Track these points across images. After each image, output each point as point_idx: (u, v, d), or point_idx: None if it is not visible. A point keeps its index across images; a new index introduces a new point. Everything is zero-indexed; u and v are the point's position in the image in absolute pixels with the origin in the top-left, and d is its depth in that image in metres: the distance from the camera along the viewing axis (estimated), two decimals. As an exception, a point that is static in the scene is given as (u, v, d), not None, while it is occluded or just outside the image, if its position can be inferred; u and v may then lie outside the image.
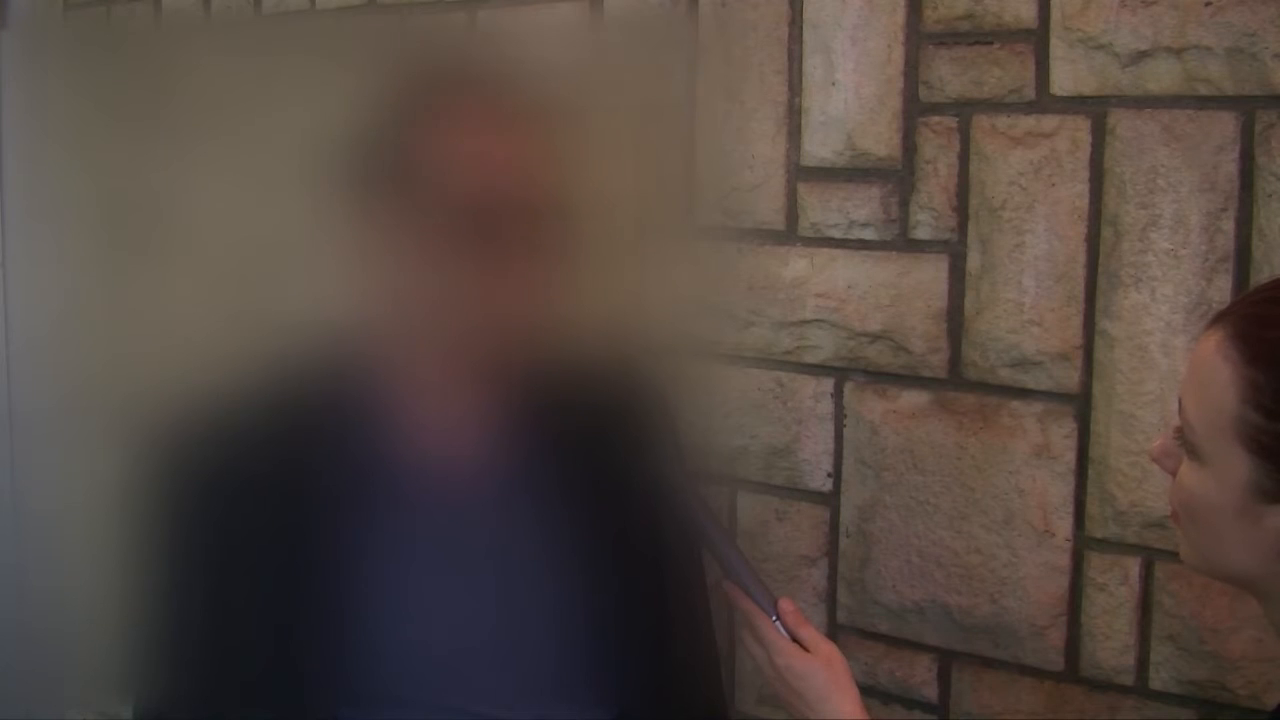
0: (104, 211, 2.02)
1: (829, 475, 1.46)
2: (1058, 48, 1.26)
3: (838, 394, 1.44)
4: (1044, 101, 1.28)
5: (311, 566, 0.95)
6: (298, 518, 0.95)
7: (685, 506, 1.09)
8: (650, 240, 1.44)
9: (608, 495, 1.05)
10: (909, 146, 1.36)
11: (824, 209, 1.42)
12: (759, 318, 1.48)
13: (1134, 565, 1.28)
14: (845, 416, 1.44)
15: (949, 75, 1.33)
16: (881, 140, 1.37)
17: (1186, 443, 0.87)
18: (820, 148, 1.41)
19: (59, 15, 2.16)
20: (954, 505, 1.37)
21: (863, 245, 1.40)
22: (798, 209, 1.44)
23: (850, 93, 1.39)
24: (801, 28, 1.41)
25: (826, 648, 1.06)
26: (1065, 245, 1.28)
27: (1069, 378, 1.29)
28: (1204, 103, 1.19)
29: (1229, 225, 1.19)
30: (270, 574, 0.95)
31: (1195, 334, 1.21)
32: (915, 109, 1.35)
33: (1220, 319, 0.86)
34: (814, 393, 1.46)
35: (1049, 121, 1.28)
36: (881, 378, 1.41)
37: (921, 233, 1.36)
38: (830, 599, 1.47)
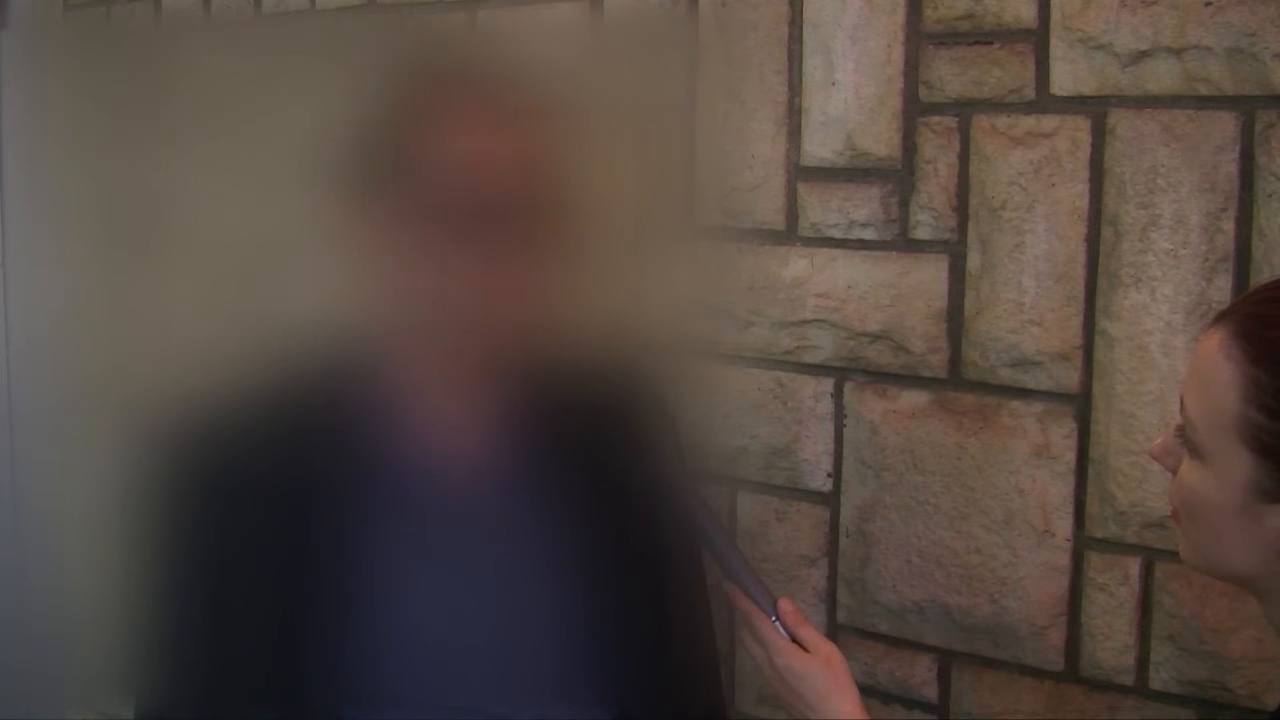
0: (104, 211, 2.02)
1: (829, 475, 1.46)
2: (1058, 48, 1.26)
3: (838, 394, 1.44)
4: (1044, 101, 1.28)
5: (313, 566, 0.95)
6: (299, 517, 0.95)
7: (685, 506, 1.09)
8: (650, 240, 1.44)
9: (608, 495, 1.05)
10: (909, 146, 1.36)
11: (824, 209, 1.42)
12: (759, 318, 1.48)
13: (1134, 565, 1.28)
14: (845, 416, 1.44)
15: (949, 75, 1.33)
16: (881, 140, 1.37)
17: (1188, 441, 0.87)
18: (820, 148, 1.41)
19: (59, 15, 2.16)
20: (954, 505, 1.37)
21: (863, 245, 1.40)
22: (798, 209, 1.44)
23: (850, 93, 1.39)
24: (801, 28, 1.41)
25: (826, 648, 1.06)
26: (1065, 245, 1.28)
27: (1069, 378, 1.29)
28: (1204, 103, 1.19)
29: (1229, 225, 1.19)
30: (271, 574, 0.95)
31: (1195, 334, 1.21)
32: (915, 109, 1.35)
33: (1223, 318, 0.86)
34: (814, 393, 1.46)
35: (1049, 121, 1.28)
36: (881, 378, 1.41)
37: (921, 233, 1.36)
38: (830, 599, 1.47)
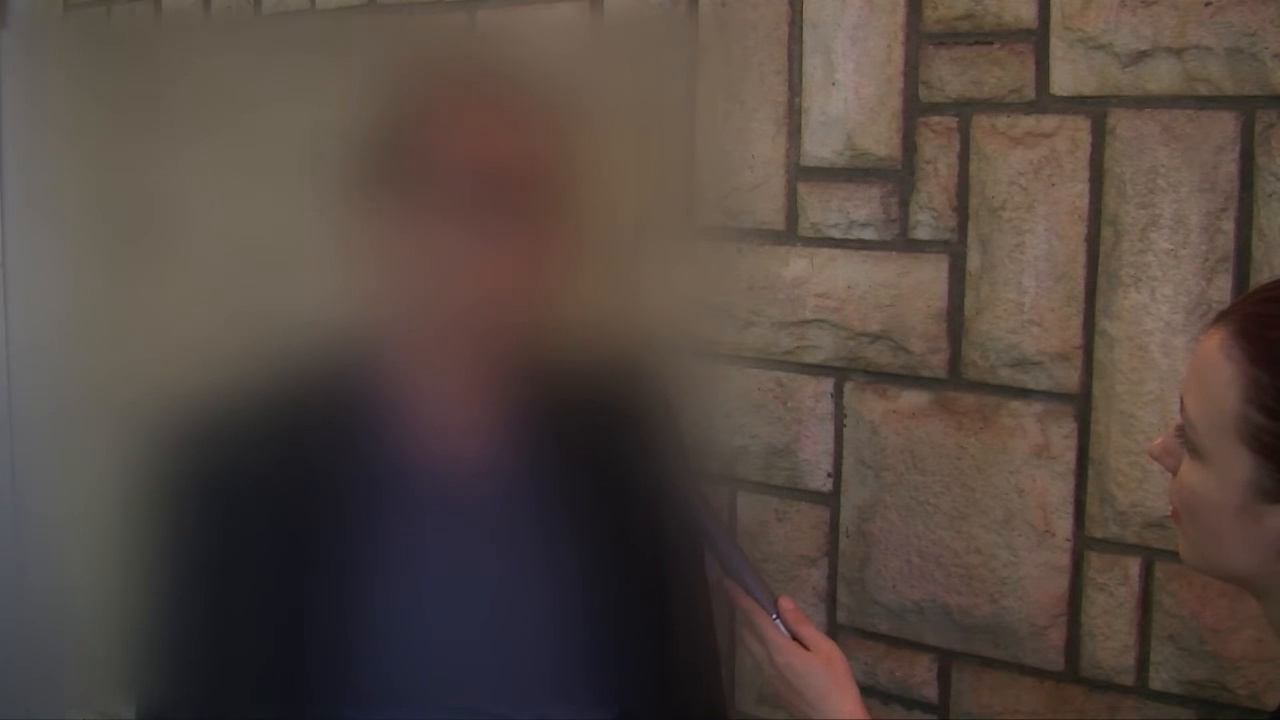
0: (105, 211, 2.02)
1: (829, 475, 1.46)
2: (1058, 48, 1.26)
3: (838, 394, 1.44)
4: (1044, 101, 1.28)
5: (314, 567, 0.95)
6: (300, 518, 0.95)
7: (686, 504, 1.09)
8: (650, 240, 1.44)
9: (609, 495, 1.05)
10: (909, 146, 1.36)
11: (824, 209, 1.42)
12: (759, 318, 1.48)
13: (1134, 565, 1.28)
14: (845, 416, 1.44)
15: (949, 75, 1.33)
16: (881, 140, 1.37)
17: (1188, 441, 0.88)
18: (820, 148, 1.41)
19: (59, 14, 2.16)
20: (954, 505, 1.37)
21: (863, 245, 1.40)
22: (798, 209, 1.44)
23: (850, 93, 1.39)
24: (801, 28, 1.41)
25: (826, 646, 1.06)
26: (1065, 245, 1.28)
27: (1069, 378, 1.29)
28: (1204, 103, 1.19)
29: (1229, 225, 1.19)
30: (272, 574, 0.95)
31: (1195, 334, 1.21)
32: (915, 109, 1.35)
33: (1223, 318, 0.86)
34: (814, 393, 1.46)
35: (1049, 121, 1.28)
36: (881, 378, 1.41)
37: (921, 233, 1.36)
38: (830, 599, 1.47)
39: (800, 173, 1.43)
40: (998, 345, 1.33)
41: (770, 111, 1.44)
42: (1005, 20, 1.29)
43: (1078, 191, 1.27)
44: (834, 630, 1.47)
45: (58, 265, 2.16)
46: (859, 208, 1.40)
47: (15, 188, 2.26)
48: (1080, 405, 1.29)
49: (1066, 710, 1.33)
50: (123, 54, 2.06)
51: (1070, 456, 1.30)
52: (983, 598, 1.37)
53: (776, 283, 1.46)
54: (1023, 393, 1.32)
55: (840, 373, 1.44)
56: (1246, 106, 1.18)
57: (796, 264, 1.45)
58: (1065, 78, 1.26)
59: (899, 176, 1.37)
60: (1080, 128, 1.26)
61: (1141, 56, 1.22)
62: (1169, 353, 1.23)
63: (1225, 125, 1.19)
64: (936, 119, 1.34)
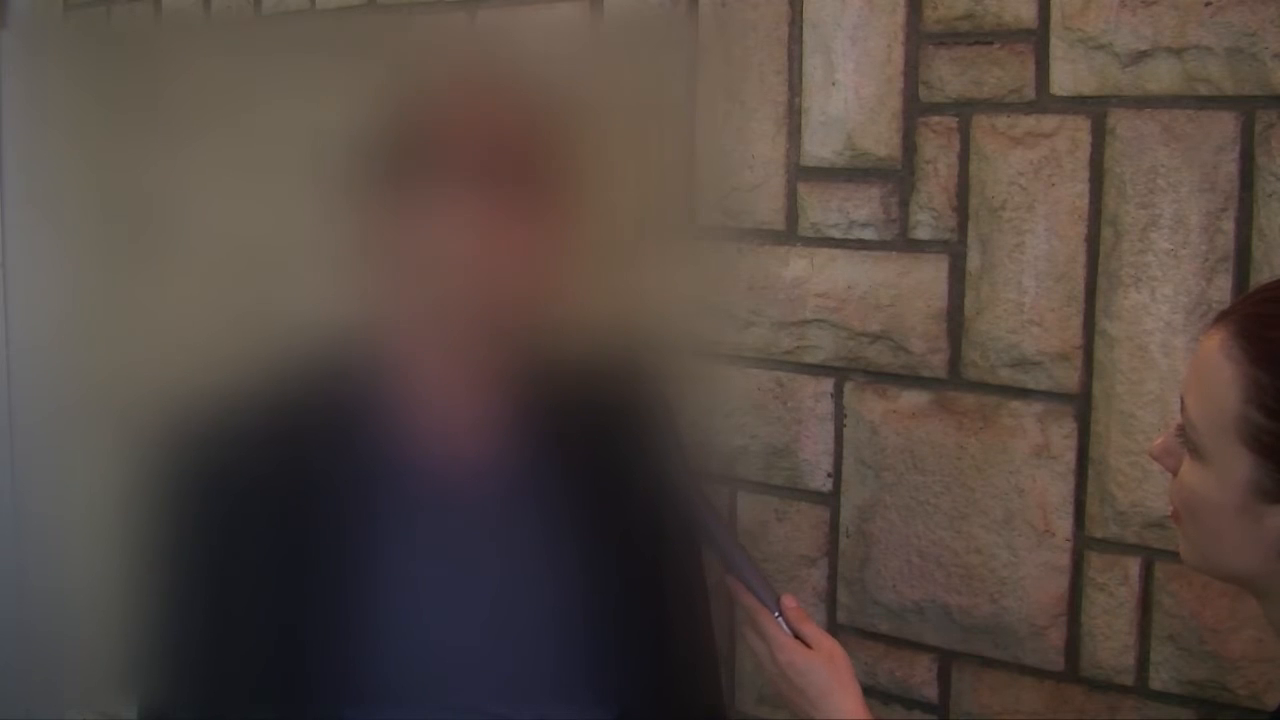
0: (105, 211, 2.02)
1: (829, 475, 1.46)
2: (1058, 48, 1.26)
3: (838, 394, 1.44)
4: (1044, 101, 1.28)
5: (314, 567, 0.95)
6: (300, 518, 0.95)
7: (687, 502, 1.09)
8: (650, 240, 1.44)
9: (609, 494, 1.05)
10: (909, 146, 1.36)
11: (824, 209, 1.42)
12: (759, 318, 1.48)
13: (1134, 565, 1.28)
14: (845, 416, 1.44)
15: (949, 75, 1.33)
16: (881, 140, 1.37)
17: (1188, 441, 0.88)
18: (820, 148, 1.41)
19: (59, 15, 2.16)
20: (954, 505, 1.37)
21: (863, 245, 1.40)
22: (798, 209, 1.44)
23: (850, 93, 1.39)
24: (801, 28, 1.41)
25: (828, 644, 1.06)
26: (1065, 245, 1.28)
27: (1069, 378, 1.29)
28: (1204, 103, 1.19)
29: (1229, 225, 1.19)
30: (273, 574, 0.95)
31: (1195, 334, 1.21)
32: (915, 109, 1.35)
33: (1223, 318, 0.86)
34: (814, 393, 1.46)
35: (1049, 121, 1.28)
36: (881, 378, 1.41)
37: (921, 233, 1.36)
38: (830, 599, 1.47)
39: (800, 173, 1.43)
40: (998, 345, 1.33)
41: (770, 111, 1.44)
42: (1005, 20, 1.29)
43: (1078, 191, 1.27)
44: (834, 630, 1.47)
45: (58, 265, 2.16)
46: (859, 208, 1.40)
47: (15, 188, 2.26)
48: (1080, 405, 1.29)
49: (1066, 710, 1.33)
50: (123, 54, 2.06)
51: (1070, 456, 1.30)
52: (983, 598, 1.37)
53: (776, 283, 1.46)
54: (1023, 393, 1.32)
55: (840, 373, 1.44)
56: (1246, 106, 1.18)
57: (796, 264, 1.45)
58: (1065, 78, 1.26)
59: (899, 176, 1.37)
60: (1080, 128, 1.26)
61: (1141, 56, 1.22)
62: (1169, 353, 1.23)
63: (1225, 125, 1.19)
64: (936, 119, 1.34)
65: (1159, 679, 1.28)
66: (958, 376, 1.36)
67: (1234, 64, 1.17)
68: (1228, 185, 1.19)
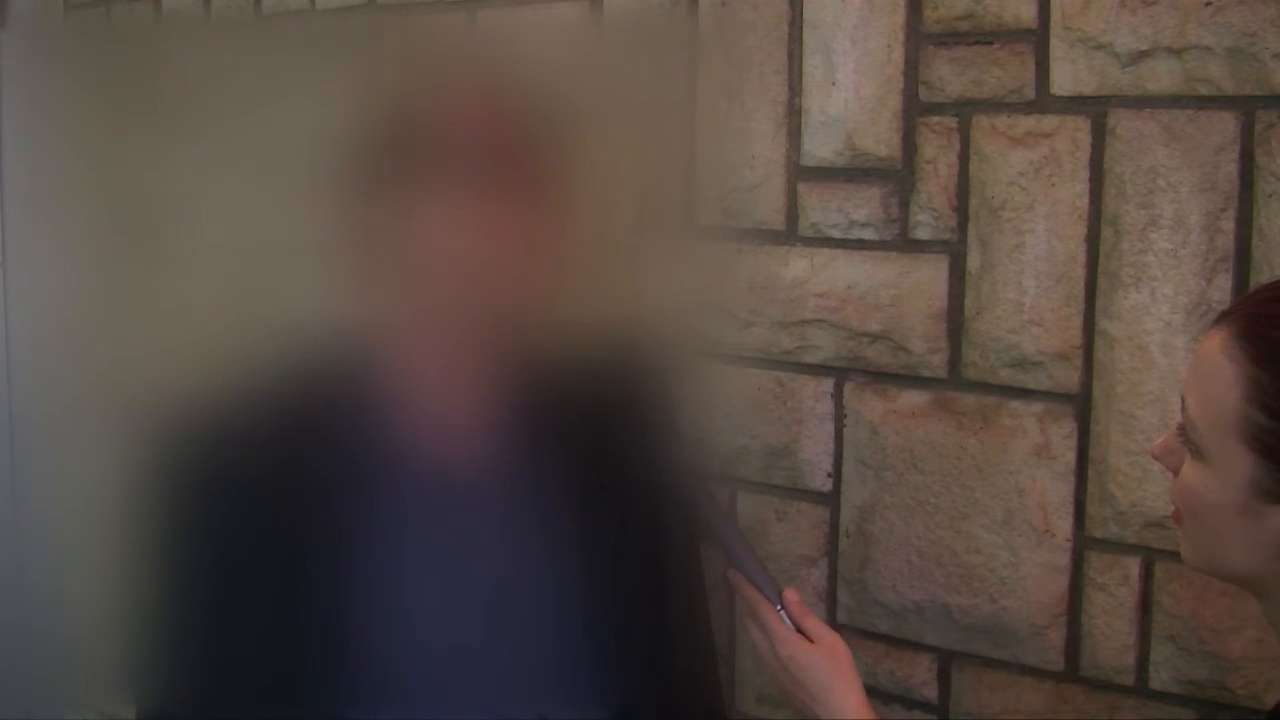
0: (104, 211, 2.02)
1: (829, 475, 1.46)
2: (1058, 48, 1.26)
3: (838, 394, 1.44)
4: (1044, 101, 1.28)
5: (313, 566, 0.95)
6: (299, 517, 0.95)
7: (689, 494, 1.09)
8: (650, 240, 1.44)
9: (608, 492, 1.06)
10: (909, 146, 1.36)
11: (824, 209, 1.42)
12: (759, 318, 1.48)
13: (1134, 565, 1.28)
14: (845, 416, 1.44)
15: (949, 75, 1.33)
16: (881, 140, 1.37)
17: (1189, 441, 0.88)
18: (820, 148, 1.41)
19: (59, 15, 2.16)
20: (954, 505, 1.37)
21: (863, 245, 1.40)
22: (798, 209, 1.44)
23: (850, 93, 1.39)
24: (801, 28, 1.41)
25: (830, 639, 1.06)
26: (1065, 245, 1.28)
27: (1069, 378, 1.29)
28: (1204, 103, 1.19)
29: (1229, 225, 1.19)
30: (272, 574, 0.95)
31: (1195, 334, 1.21)
32: (915, 109, 1.35)
33: (1224, 318, 0.86)
34: (814, 393, 1.46)
35: (1049, 121, 1.28)
36: (881, 378, 1.41)
37: (921, 233, 1.36)
38: (830, 599, 1.47)
39: (800, 173, 1.43)
40: (998, 345, 1.33)
41: (770, 111, 1.44)
42: (1005, 20, 1.29)
43: (1078, 191, 1.27)
44: (834, 630, 1.46)
45: (58, 265, 2.16)
46: (859, 208, 1.40)
47: (15, 188, 2.26)
48: (1080, 405, 1.29)
49: (1066, 710, 1.33)
50: (123, 54, 2.06)
51: (1070, 456, 1.30)
52: (983, 598, 1.37)
53: (776, 283, 1.46)
54: (1023, 393, 1.32)
55: (840, 373, 1.44)
56: (1246, 106, 1.18)
57: (796, 264, 1.45)
58: (1065, 78, 1.26)
59: (899, 176, 1.37)
60: (1080, 128, 1.26)
61: (1141, 56, 1.22)
62: (1169, 353, 1.23)
63: (1225, 125, 1.19)
64: (936, 119, 1.34)
65: (1159, 679, 1.28)
66: (958, 376, 1.36)
67: (1234, 64, 1.17)
68: (1228, 185, 1.19)
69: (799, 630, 1.07)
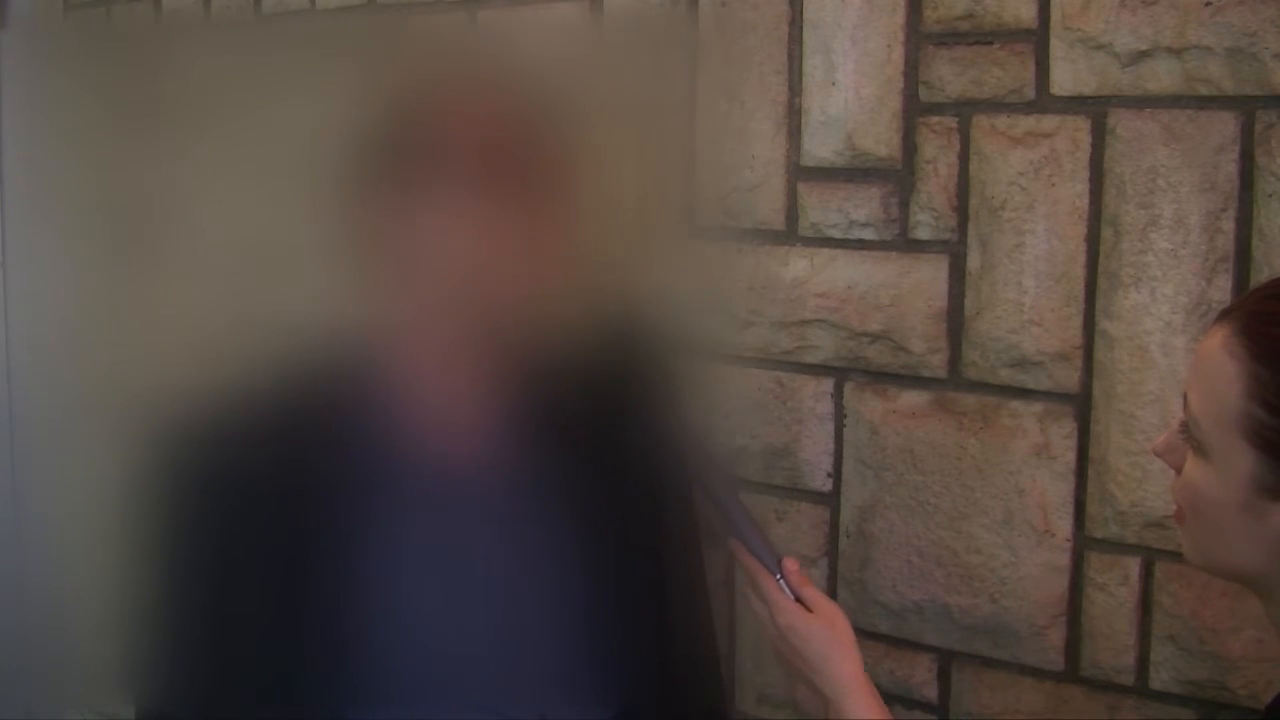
0: (105, 211, 2.02)
1: (829, 475, 1.46)
2: (1058, 48, 1.26)
3: (838, 394, 1.44)
4: (1044, 101, 1.28)
5: (314, 566, 0.95)
6: (300, 517, 0.95)
7: (692, 462, 1.09)
8: (650, 240, 1.44)
9: (609, 491, 1.06)
10: (909, 146, 1.36)
11: (824, 209, 1.42)
12: (759, 318, 1.48)
13: (1134, 565, 1.28)
14: (845, 416, 1.44)
15: (949, 75, 1.33)
16: (881, 140, 1.37)
17: (1191, 438, 0.88)
18: (820, 148, 1.41)
19: (59, 15, 2.16)
20: (954, 505, 1.37)
21: (863, 245, 1.40)
22: (798, 209, 1.44)
23: (850, 93, 1.39)
24: (801, 28, 1.41)
25: (829, 608, 1.06)
26: (1065, 245, 1.28)
27: (1069, 378, 1.29)
28: (1204, 103, 1.19)
29: (1229, 225, 1.19)
30: (272, 574, 0.95)
31: (1195, 334, 1.21)
32: (915, 109, 1.35)
33: (1226, 315, 0.86)
34: (814, 393, 1.46)
35: (1049, 121, 1.28)
36: (881, 378, 1.41)
37: (921, 233, 1.36)
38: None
39: (800, 173, 1.43)
40: (998, 345, 1.33)
41: (770, 111, 1.44)
42: (1005, 20, 1.29)
43: (1078, 191, 1.27)
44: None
45: (58, 265, 2.16)
46: (859, 208, 1.40)
47: (15, 188, 2.26)
48: (1080, 405, 1.29)
49: (1066, 710, 1.33)
50: (123, 54, 2.06)
51: (1070, 456, 1.30)
52: (983, 598, 1.37)
53: (776, 283, 1.46)
54: (1023, 393, 1.32)
55: (840, 373, 1.44)
56: (1246, 106, 1.18)
57: (796, 264, 1.45)
58: (1065, 78, 1.26)
59: (899, 176, 1.37)
60: (1080, 128, 1.26)
61: (1141, 56, 1.22)
62: (1169, 353, 1.23)
63: (1225, 125, 1.19)
64: (936, 119, 1.34)
65: (1159, 679, 1.28)
66: (958, 376, 1.36)
67: (1234, 64, 1.17)
68: (1228, 185, 1.19)
69: (798, 599, 1.07)
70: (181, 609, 0.98)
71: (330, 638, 0.96)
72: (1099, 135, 1.25)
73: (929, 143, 1.35)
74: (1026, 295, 1.31)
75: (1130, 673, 1.29)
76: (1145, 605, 1.28)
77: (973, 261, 1.33)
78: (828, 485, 1.46)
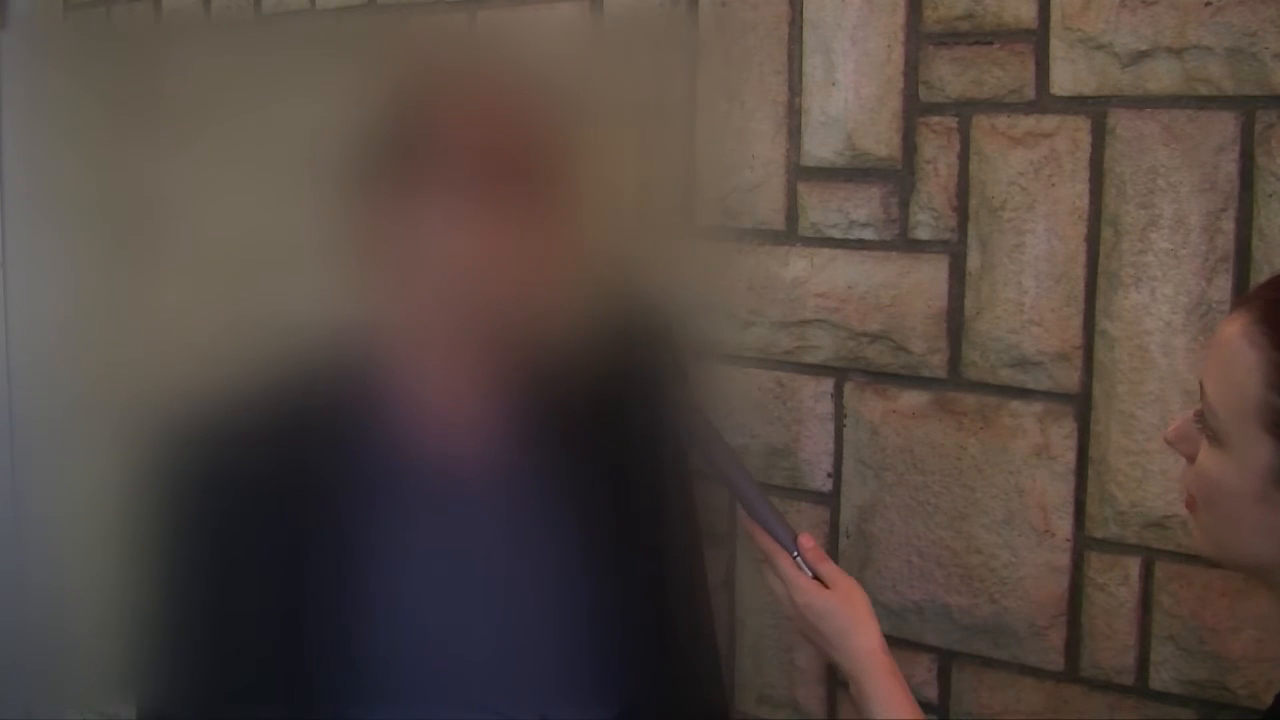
0: (104, 212, 2.02)
1: (829, 475, 1.46)
2: (1058, 48, 1.26)
3: (838, 394, 1.44)
4: (1044, 101, 1.28)
5: (315, 565, 0.95)
6: (300, 516, 0.95)
7: (703, 445, 1.09)
8: (650, 240, 1.44)
9: (611, 491, 1.06)
10: (909, 146, 1.36)
11: (824, 209, 1.42)
12: (759, 318, 1.48)
13: (1134, 565, 1.28)
14: (845, 416, 1.44)
15: (949, 75, 1.33)
16: (881, 140, 1.37)
17: (1207, 427, 0.87)
18: (820, 148, 1.41)
19: (59, 15, 2.16)
20: (954, 505, 1.37)
21: (863, 245, 1.40)
22: (798, 209, 1.44)
23: (850, 93, 1.39)
24: (801, 28, 1.41)
25: (846, 584, 1.06)
26: (1065, 245, 1.28)
27: (1069, 378, 1.29)
28: (1204, 103, 1.19)
29: (1229, 225, 1.19)
30: (274, 573, 0.95)
31: (1195, 334, 1.21)
32: (915, 109, 1.35)
33: (1245, 303, 0.86)
34: (814, 393, 1.46)
35: (1049, 121, 1.28)
36: (881, 378, 1.41)
37: (921, 233, 1.36)
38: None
39: (800, 173, 1.43)
40: (998, 345, 1.33)
41: (770, 111, 1.44)
42: (1005, 20, 1.29)
43: (1078, 191, 1.27)
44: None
45: (58, 265, 2.16)
46: (859, 208, 1.40)
47: (15, 188, 2.26)
48: (1080, 405, 1.29)
49: (1066, 710, 1.33)
50: (123, 54, 2.06)
51: (1070, 456, 1.30)
52: (983, 598, 1.37)
53: (776, 283, 1.46)
54: (1023, 393, 1.32)
55: (840, 373, 1.44)
56: (1246, 106, 1.18)
57: (796, 264, 1.45)
58: (1065, 78, 1.26)
59: (899, 176, 1.37)
60: (1080, 128, 1.26)
61: (1141, 56, 1.22)
62: (1169, 353, 1.23)
63: (1225, 125, 1.19)
64: (936, 119, 1.34)
65: (1159, 679, 1.28)
66: (958, 376, 1.36)
67: (1234, 64, 1.17)
68: (1228, 185, 1.19)
69: (815, 576, 1.07)
70: (182, 609, 0.98)
71: (331, 637, 0.96)
72: (1099, 135, 1.25)
73: (929, 143, 1.35)
74: (1026, 295, 1.31)
75: (1130, 673, 1.29)
76: (1145, 605, 1.28)
77: (973, 261, 1.33)
78: (828, 485, 1.46)
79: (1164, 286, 1.23)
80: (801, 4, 1.41)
